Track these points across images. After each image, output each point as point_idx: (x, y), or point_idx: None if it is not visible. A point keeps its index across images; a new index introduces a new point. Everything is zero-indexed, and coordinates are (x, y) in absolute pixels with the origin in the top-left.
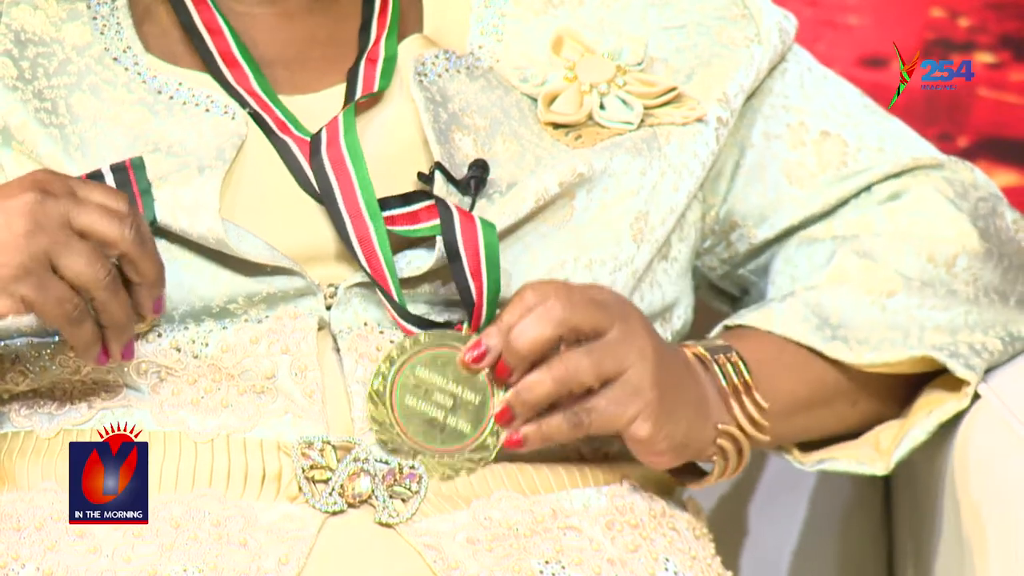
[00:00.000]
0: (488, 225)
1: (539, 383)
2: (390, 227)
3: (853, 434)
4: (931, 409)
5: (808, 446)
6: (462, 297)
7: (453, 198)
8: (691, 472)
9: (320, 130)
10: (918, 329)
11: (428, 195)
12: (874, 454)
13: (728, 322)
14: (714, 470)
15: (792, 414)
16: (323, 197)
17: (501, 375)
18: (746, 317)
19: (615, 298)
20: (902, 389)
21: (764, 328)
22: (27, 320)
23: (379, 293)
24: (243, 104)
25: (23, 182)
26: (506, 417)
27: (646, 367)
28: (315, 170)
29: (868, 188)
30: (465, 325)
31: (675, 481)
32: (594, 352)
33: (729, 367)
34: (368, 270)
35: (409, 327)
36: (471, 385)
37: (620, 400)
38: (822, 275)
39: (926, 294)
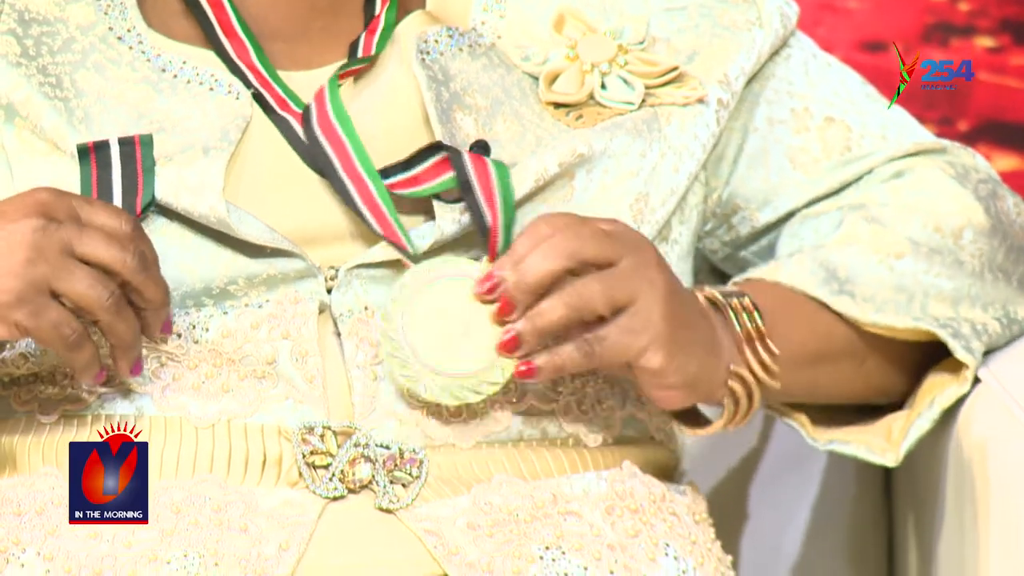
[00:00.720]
0: (500, 164)
1: (551, 309)
2: (393, 190)
3: (866, 417)
4: (933, 396)
5: (820, 423)
6: (477, 226)
7: None
8: (697, 421)
9: (309, 103)
10: (922, 295)
11: (432, 152)
12: (885, 444)
13: (737, 278)
14: (723, 415)
15: (801, 365)
16: (322, 167)
17: (504, 311)
18: (752, 272)
19: (628, 230)
20: (909, 356)
21: (771, 279)
22: (24, 344)
23: (392, 249)
24: (245, 81)
25: (26, 204)
26: (512, 346)
27: (657, 297)
28: (310, 141)
29: (870, 171)
30: (484, 258)
31: (682, 427)
32: (605, 280)
33: (744, 313)
34: (380, 230)
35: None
36: (484, 314)
37: (631, 329)
38: (831, 238)
39: (934, 260)
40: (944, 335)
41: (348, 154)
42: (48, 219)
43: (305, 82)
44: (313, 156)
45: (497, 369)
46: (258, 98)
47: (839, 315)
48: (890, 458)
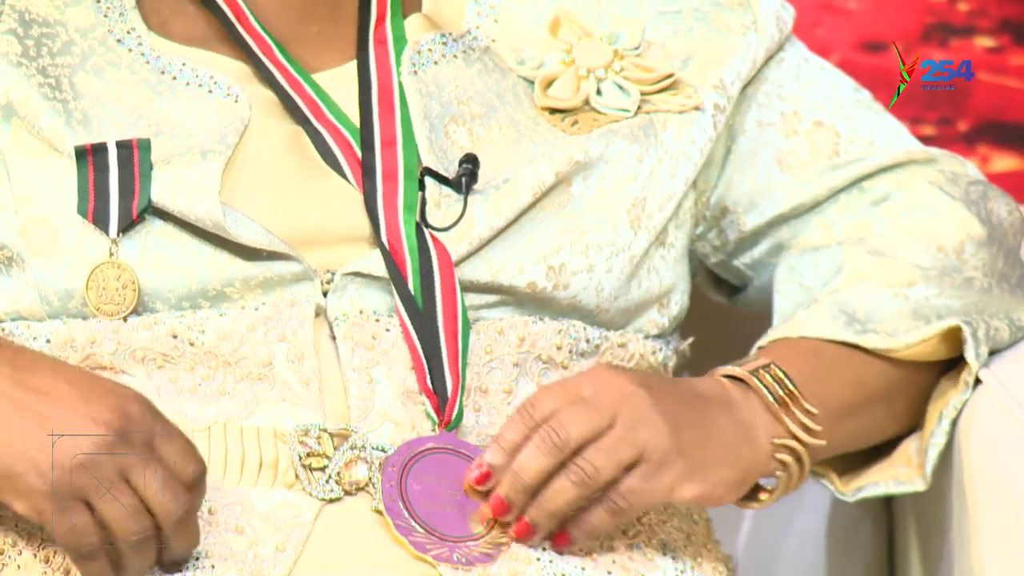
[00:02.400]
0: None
1: (560, 491)
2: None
3: (885, 452)
4: (940, 410)
5: (842, 471)
6: (436, 390)
7: (448, 198)
8: (752, 490)
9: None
10: (936, 318)
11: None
12: (909, 470)
13: (761, 342)
14: (777, 486)
15: (839, 419)
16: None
17: (500, 512)
18: (775, 332)
19: (609, 379)
20: (930, 386)
21: (795, 335)
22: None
23: (384, 264)
24: (271, 80)
25: (110, 406)
26: (527, 532)
27: (662, 438)
28: (366, 193)
29: (859, 184)
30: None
31: (741, 504)
32: (606, 447)
33: (772, 381)
34: (386, 240)
35: (409, 324)
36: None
37: (651, 475)
38: (840, 279)
39: (944, 283)
40: (966, 332)
41: (396, 167)
42: (120, 437)
43: None
44: (346, 172)
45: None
46: (282, 96)
47: (869, 353)
48: (919, 483)
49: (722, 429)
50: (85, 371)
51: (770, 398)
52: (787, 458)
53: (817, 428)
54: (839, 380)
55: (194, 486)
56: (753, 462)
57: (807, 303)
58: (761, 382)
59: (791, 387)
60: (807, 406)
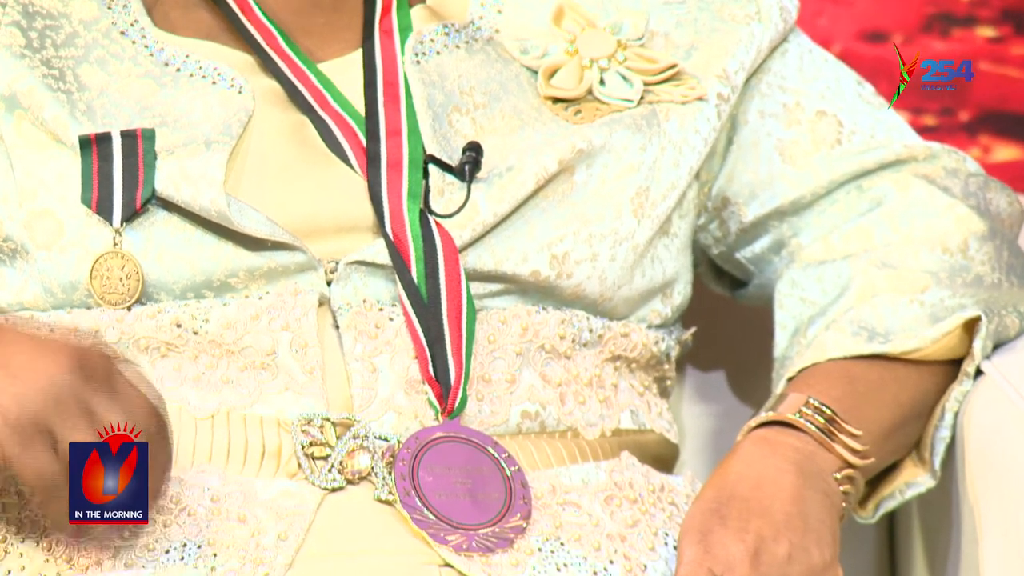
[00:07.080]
0: (471, 314)
1: None
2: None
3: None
4: (943, 404)
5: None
6: (439, 378)
7: (452, 186)
8: None
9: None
10: (955, 318)
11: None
12: (916, 469)
13: (789, 374)
14: (844, 514)
15: (882, 440)
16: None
17: None
18: (800, 361)
19: (725, 551)
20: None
21: (822, 360)
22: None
23: (387, 253)
24: (276, 71)
25: (70, 348)
26: None
27: (803, 564)
28: (371, 183)
29: (858, 183)
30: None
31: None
32: None
33: (811, 413)
34: (391, 231)
35: (412, 313)
36: (480, 473)
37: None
38: (851, 296)
39: (955, 282)
40: (983, 322)
41: (400, 197)
42: (81, 372)
43: None
44: (352, 161)
45: (512, 521)
46: (287, 87)
47: (900, 370)
48: (928, 479)
49: (814, 508)
50: (47, 333)
51: (814, 429)
52: (849, 487)
53: (862, 448)
54: (878, 403)
55: (155, 414)
56: (838, 509)
57: (814, 319)
58: (807, 420)
59: (828, 412)
60: (850, 429)
